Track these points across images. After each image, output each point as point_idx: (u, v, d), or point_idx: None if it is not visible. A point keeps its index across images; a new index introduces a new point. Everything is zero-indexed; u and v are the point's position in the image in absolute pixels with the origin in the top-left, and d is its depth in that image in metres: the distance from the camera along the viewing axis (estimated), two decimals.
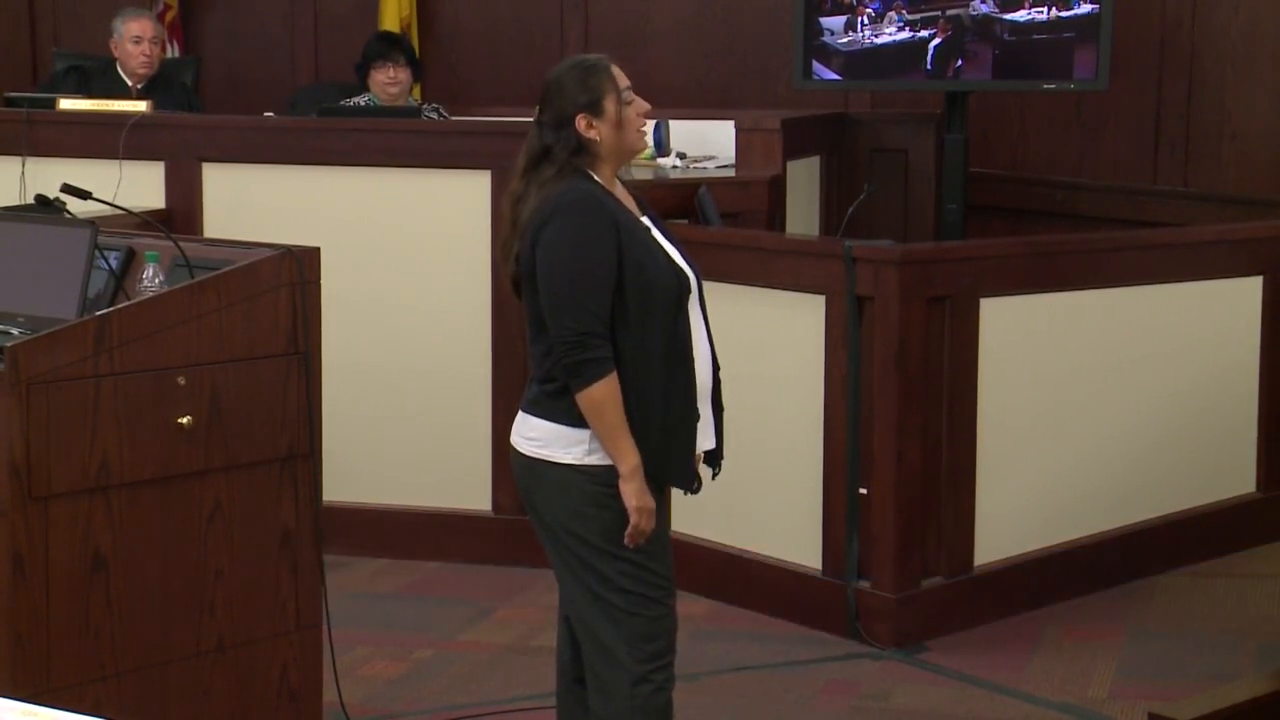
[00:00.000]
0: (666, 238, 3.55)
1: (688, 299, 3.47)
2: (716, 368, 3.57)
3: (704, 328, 3.55)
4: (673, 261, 3.48)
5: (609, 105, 3.45)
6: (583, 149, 3.44)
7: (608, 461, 3.39)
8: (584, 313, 3.32)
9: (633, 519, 3.39)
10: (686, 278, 3.49)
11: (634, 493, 3.38)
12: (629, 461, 3.37)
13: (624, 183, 3.59)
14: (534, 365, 3.49)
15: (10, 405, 3.32)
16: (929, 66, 6.76)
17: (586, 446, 3.40)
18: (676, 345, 3.42)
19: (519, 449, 3.50)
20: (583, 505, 3.42)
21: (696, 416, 3.48)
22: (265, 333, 3.71)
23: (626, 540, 3.41)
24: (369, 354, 5.64)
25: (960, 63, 6.74)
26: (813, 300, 5.02)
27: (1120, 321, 5.37)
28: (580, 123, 3.43)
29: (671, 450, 3.44)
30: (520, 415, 3.51)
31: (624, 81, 3.49)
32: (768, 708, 4.51)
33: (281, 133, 5.97)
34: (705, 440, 3.54)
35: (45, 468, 3.36)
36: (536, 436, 3.45)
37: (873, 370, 4.92)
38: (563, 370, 3.37)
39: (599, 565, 3.43)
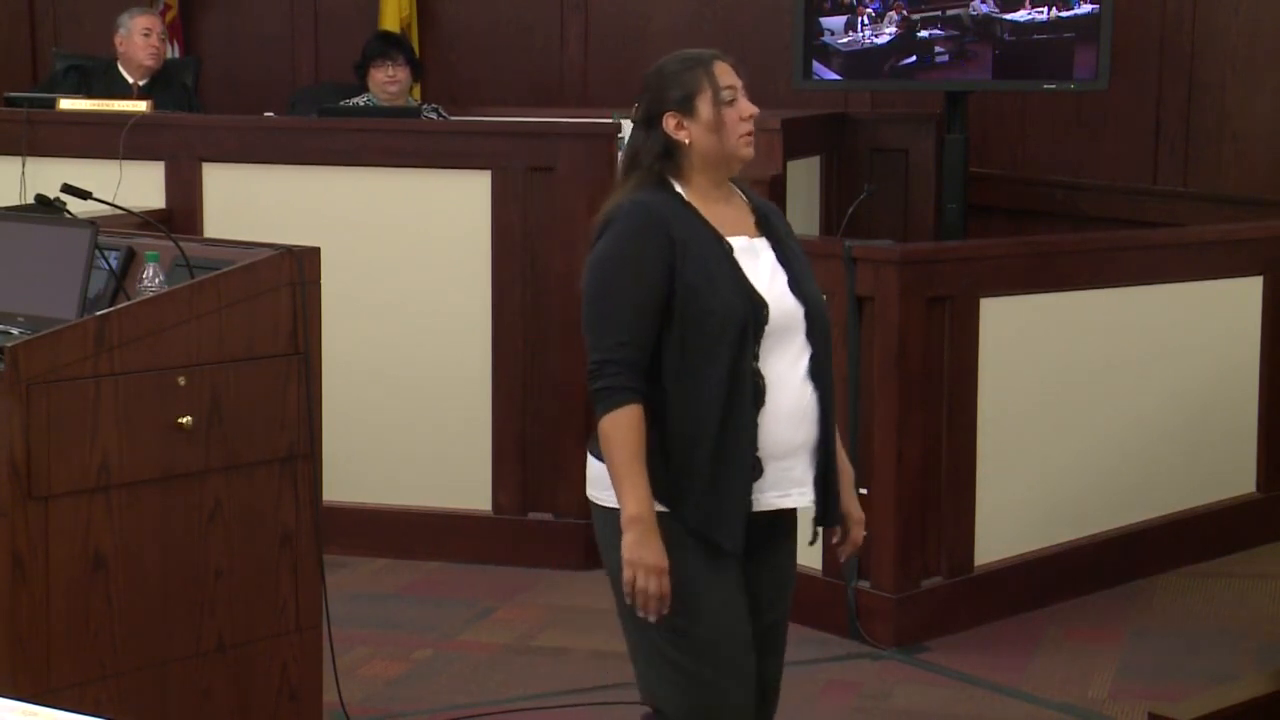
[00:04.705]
0: (781, 259, 3.12)
1: (760, 333, 3.01)
2: (826, 419, 3.09)
3: (805, 369, 3.07)
4: (747, 288, 3.02)
5: (702, 105, 3.05)
6: (670, 153, 3.06)
7: (658, 507, 3.00)
8: (606, 340, 2.98)
9: (625, 574, 2.97)
10: (762, 308, 3.02)
11: (630, 545, 2.96)
12: (629, 509, 2.96)
13: (746, 193, 3.21)
14: None
15: (10, 405, 3.31)
16: (929, 66, 6.76)
17: None
18: (739, 384, 2.98)
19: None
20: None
21: (757, 469, 3.04)
22: (265, 333, 3.71)
23: (627, 598, 3.00)
24: (369, 354, 5.63)
25: (960, 63, 6.73)
26: None
27: (1120, 321, 5.37)
28: (669, 122, 3.05)
29: (722, 505, 3.01)
30: None
31: (727, 80, 3.07)
32: None
33: (281, 133, 5.97)
34: (789, 499, 3.12)
35: (45, 468, 3.36)
36: (591, 477, 3.12)
37: (873, 370, 4.91)
38: (591, 397, 3.06)
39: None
